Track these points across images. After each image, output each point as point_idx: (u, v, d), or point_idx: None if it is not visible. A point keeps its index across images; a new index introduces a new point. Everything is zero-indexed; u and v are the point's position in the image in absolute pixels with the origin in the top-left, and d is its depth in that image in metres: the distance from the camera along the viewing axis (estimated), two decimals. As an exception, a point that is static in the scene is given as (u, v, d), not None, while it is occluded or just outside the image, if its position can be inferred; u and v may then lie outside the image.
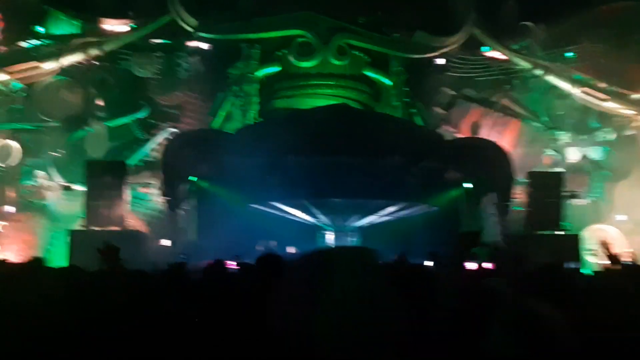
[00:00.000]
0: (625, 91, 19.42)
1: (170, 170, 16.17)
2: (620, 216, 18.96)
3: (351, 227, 17.19)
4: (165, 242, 16.24)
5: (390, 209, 16.53)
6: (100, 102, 18.42)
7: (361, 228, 17.23)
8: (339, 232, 17.11)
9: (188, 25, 18.77)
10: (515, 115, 19.83)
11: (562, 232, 16.80)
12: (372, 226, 16.95)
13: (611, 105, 19.45)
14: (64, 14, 19.02)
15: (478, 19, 19.60)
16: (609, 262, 7.22)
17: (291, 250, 13.09)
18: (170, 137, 18.24)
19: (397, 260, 7.61)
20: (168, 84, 19.03)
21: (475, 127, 19.65)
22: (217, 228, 15.29)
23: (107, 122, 18.65)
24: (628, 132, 19.93)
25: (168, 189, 16.22)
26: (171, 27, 19.08)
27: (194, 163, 16.06)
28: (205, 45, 19.09)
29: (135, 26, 18.97)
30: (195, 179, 16.42)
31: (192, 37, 18.96)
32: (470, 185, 17.17)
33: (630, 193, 18.72)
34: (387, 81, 19.98)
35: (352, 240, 17.09)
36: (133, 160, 18.45)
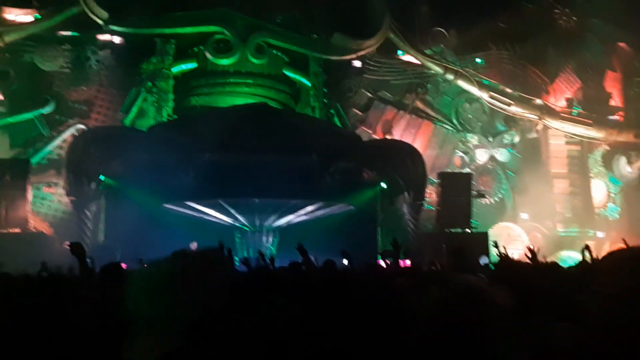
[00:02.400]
0: (529, 96, 20.66)
1: (77, 169, 15.34)
2: (524, 214, 20.17)
3: (269, 227, 17.08)
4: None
5: (309, 208, 16.57)
6: (0, 96, 17.16)
7: (279, 228, 17.17)
8: (256, 232, 16.96)
9: (98, 17, 17.91)
10: (427, 117, 20.57)
11: (471, 230, 17.54)
12: (291, 226, 16.92)
13: (516, 110, 20.62)
14: (-41, 1, 17.63)
15: (393, 23, 20.14)
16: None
17: (193, 246, 12.74)
18: (78, 134, 17.32)
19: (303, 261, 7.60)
20: (76, 78, 18.05)
21: (390, 129, 20.15)
22: (126, 229, 14.64)
23: (8, 118, 17.42)
24: (531, 135, 21.22)
25: (74, 189, 15.37)
26: (80, 19, 18.13)
27: (103, 161, 15.34)
28: (117, 39, 18.28)
29: (40, 17, 17.85)
30: (103, 177, 15.67)
31: (102, 30, 18.09)
32: (385, 185, 17.61)
33: (531, 192, 20.00)
34: (306, 81, 20.05)
35: (269, 240, 16.99)
36: (37, 158, 17.35)
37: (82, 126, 17.87)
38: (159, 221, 15.09)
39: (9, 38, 17.32)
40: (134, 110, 18.15)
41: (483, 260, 14.27)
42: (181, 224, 15.41)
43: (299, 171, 15.65)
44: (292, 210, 16.48)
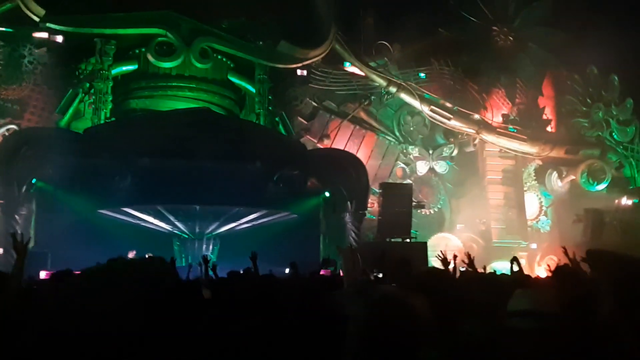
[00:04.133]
0: (467, 111, 21.35)
1: (7, 171, 14.56)
2: (460, 225, 20.77)
3: (210, 234, 16.79)
4: (-1, 251, 14.53)
5: (251, 216, 16.42)
6: None
7: (220, 236, 16.90)
8: (196, 240, 16.63)
9: (34, 14, 17.16)
10: (371, 128, 20.87)
11: (411, 240, 17.86)
12: (232, 234, 16.69)
13: (455, 124, 21.26)
14: None
15: (339, 34, 20.38)
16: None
17: (131, 254, 12.34)
18: (9, 135, 16.46)
19: (246, 270, 7.52)
20: (9, 76, 17.15)
21: (334, 138, 20.32)
22: (58, 235, 13.98)
23: None
24: (469, 149, 21.93)
25: (3, 192, 14.57)
26: (15, 14, 17.30)
27: (35, 164, 14.62)
28: (54, 37, 17.54)
29: (-31, 10, 16.92)
30: (35, 181, 14.93)
31: (39, 27, 17.33)
32: (328, 194, 17.70)
33: (468, 204, 20.68)
34: (251, 88, 19.93)
35: (210, 249, 16.70)
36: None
37: (13, 126, 16.99)
38: (94, 228, 14.50)
39: None
40: (71, 111, 17.45)
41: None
42: (118, 231, 14.90)
43: (241, 178, 15.48)
44: (234, 218, 16.29)
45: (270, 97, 19.72)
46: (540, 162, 22.43)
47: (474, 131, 21.45)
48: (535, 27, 22.28)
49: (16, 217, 14.65)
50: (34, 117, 17.48)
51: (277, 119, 19.65)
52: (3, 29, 17.34)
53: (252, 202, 15.88)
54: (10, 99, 17.29)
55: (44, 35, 17.39)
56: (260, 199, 15.93)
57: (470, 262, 7.36)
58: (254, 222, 16.58)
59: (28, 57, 17.41)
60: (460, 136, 21.71)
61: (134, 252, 12.76)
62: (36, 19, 17.19)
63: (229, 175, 15.24)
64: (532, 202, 22.46)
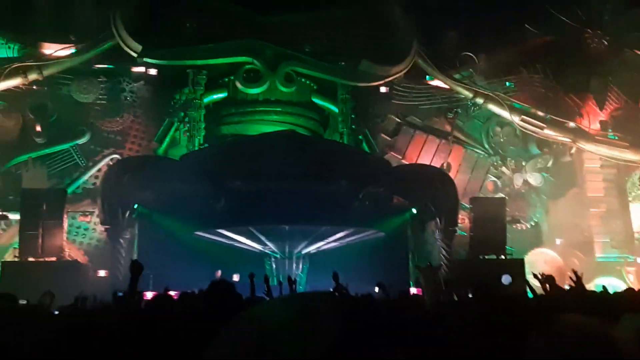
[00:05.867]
0: (562, 119, 20.31)
1: (111, 198, 15.62)
2: (559, 239, 19.64)
3: (299, 254, 17.04)
4: (104, 273, 15.59)
5: (338, 235, 16.50)
6: (39, 128, 17.72)
7: (309, 255, 17.10)
8: (286, 259, 16.93)
9: (132, 50, 18.44)
10: (458, 142, 20.36)
11: (506, 257, 17.13)
12: (320, 253, 16.85)
13: (549, 133, 20.27)
14: (1, 37, 18.36)
15: (421, 49, 20.18)
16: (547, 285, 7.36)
17: (235, 278, 12.78)
18: (112, 164, 17.70)
19: (336, 289, 7.53)
20: (111, 109, 18.53)
21: (419, 154, 20.04)
22: (159, 257, 14.77)
23: (46, 149, 17.94)
24: (565, 159, 20.79)
25: (109, 218, 15.62)
26: (114, 52, 18.70)
27: (136, 190, 15.59)
28: (150, 71, 18.76)
29: (76, 50, 18.48)
30: (137, 206, 15.92)
31: (136, 62, 18.61)
32: (416, 211, 17.41)
33: (567, 217, 19.50)
34: (334, 108, 20.17)
35: (300, 268, 16.93)
36: (73, 188, 17.78)
37: (116, 156, 18.28)
38: (191, 249, 15.26)
39: (47, 72, 17.93)
40: (167, 139, 18.51)
41: (506, 279, 13.92)
42: (213, 251, 15.56)
43: (328, 198, 15.63)
44: (321, 237, 16.45)
45: (353, 115, 19.84)
46: (646, 170, 20.82)
47: (569, 140, 20.33)
48: (633, 33, 20.82)
49: (121, 241, 15.64)
50: (134, 146, 18.73)
51: (360, 137, 19.70)
52: (105, 65, 18.77)
53: (338, 221, 15.97)
54: (113, 130, 18.63)
55: (141, 69, 18.64)
56: (346, 217, 15.98)
57: (578, 279, 6.91)
58: (341, 241, 16.64)
59: (128, 91, 18.71)
60: (555, 146, 20.66)
61: (220, 272, 13.21)
62: (134, 54, 18.45)
63: (316, 195, 15.46)
64: (639, 213, 20.84)
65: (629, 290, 6.79)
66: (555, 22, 20.84)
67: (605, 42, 21.07)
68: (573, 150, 20.63)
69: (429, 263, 15.13)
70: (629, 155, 20.36)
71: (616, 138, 20.38)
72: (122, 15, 18.31)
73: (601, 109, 20.88)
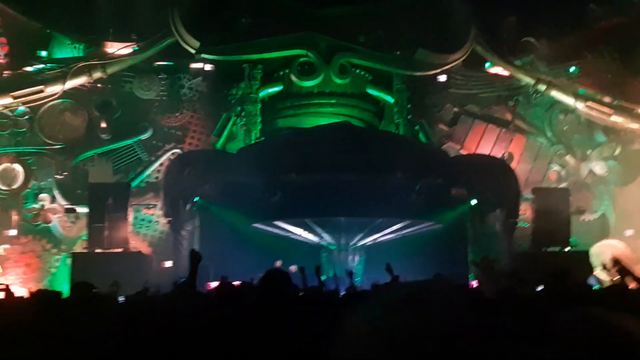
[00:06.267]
0: (630, 105, 19.29)
1: (173, 191, 16.11)
2: (629, 231, 18.70)
3: (354, 246, 17.01)
4: (169, 264, 16.11)
5: (395, 227, 16.35)
6: (104, 125, 18.46)
7: (366, 247, 17.04)
8: (343, 251, 16.94)
9: (190, 46, 18.88)
10: (519, 130, 19.70)
11: (571, 249, 16.50)
12: (377, 245, 16.76)
13: (616, 120, 19.31)
14: (68, 38, 19.21)
15: (480, 35, 19.62)
16: (620, 277, 7.02)
17: (293, 268, 12.90)
18: (174, 158, 18.23)
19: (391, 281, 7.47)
20: (171, 105, 19.07)
21: (478, 143, 19.52)
22: (220, 248, 15.16)
23: (111, 145, 18.69)
24: (634, 147, 19.75)
25: (171, 210, 16.12)
26: (174, 49, 19.20)
27: (196, 183, 15.99)
28: (207, 66, 19.17)
29: (138, 48, 19.09)
30: (198, 199, 16.35)
31: (194, 59, 19.05)
32: (475, 202, 17.00)
33: (637, 207, 18.50)
34: (389, 99, 19.96)
35: (356, 259, 16.89)
36: (136, 182, 18.43)
37: (177, 150, 18.81)
38: (249, 241, 15.56)
39: (110, 70, 18.63)
40: (225, 134, 18.87)
41: (592, 281, 13.31)
42: (271, 243, 15.78)
43: (384, 189, 15.51)
44: (377, 229, 16.34)
45: (409, 106, 19.57)
46: None
47: (639, 126, 19.28)
48: None
49: (183, 233, 16.12)
50: (194, 140, 19.20)
51: (417, 127, 19.41)
52: (165, 63, 19.31)
53: (395, 213, 15.82)
54: (174, 125, 19.16)
55: (199, 65, 19.07)
56: (403, 209, 15.80)
57: (627, 272, 6.57)
58: (398, 233, 16.47)
59: (187, 87, 19.19)
60: (622, 133, 19.65)
61: (280, 262, 13.36)
62: (192, 51, 18.88)
63: (372, 186, 15.36)
64: None
65: None
66: (622, 2, 19.77)
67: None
68: (642, 138, 19.55)
69: (486, 256, 14.79)
70: None
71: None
72: (180, 13, 18.76)
73: None
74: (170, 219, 16.26)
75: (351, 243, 16.78)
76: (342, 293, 7.51)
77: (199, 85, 19.22)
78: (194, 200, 16.32)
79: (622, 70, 19.81)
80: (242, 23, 19.01)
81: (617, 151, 19.66)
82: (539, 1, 19.21)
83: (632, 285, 6.55)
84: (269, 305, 3.65)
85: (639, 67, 19.60)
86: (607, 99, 19.32)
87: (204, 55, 18.90)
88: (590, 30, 19.97)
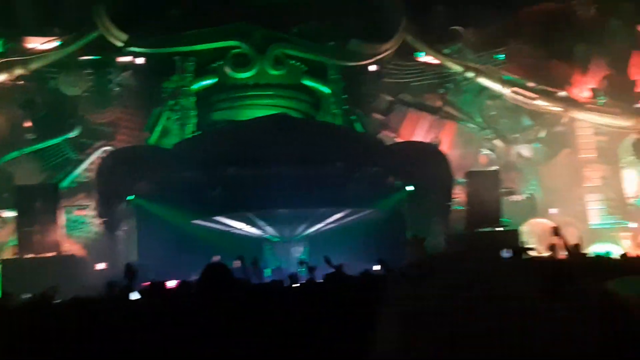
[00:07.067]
0: (552, 89, 20.31)
1: (106, 190, 15.58)
2: (553, 209, 19.78)
3: (298, 236, 17.07)
4: (104, 265, 15.59)
5: (336, 216, 16.52)
6: (28, 123, 17.55)
7: (308, 237, 17.14)
8: (286, 243, 16.97)
9: (118, 40, 18.24)
10: (450, 117, 20.36)
11: (502, 228, 17.26)
12: (320, 234, 16.88)
13: (540, 103, 20.29)
14: (-17, 33, 18.11)
15: (409, 25, 20.06)
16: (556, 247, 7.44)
17: (237, 264, 12.79)
18: (105, 156, 17.59)
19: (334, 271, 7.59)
20: (100, 101, 18.38)
21: (413, 131, 20.04)
22: (158, 247, 14.79)
23: (37, 145, 17.81)
24: (558, 129, 20.85)
25: (104, 210, 15.60)
26: (100, 43, 18.48)
27: (130, 181, 15.51)
28: (137, 60, 18.57)
29: (62, 43, 18.23)
30: (132, 197, 15.86)
31: (122, 52, 18.40)
32: (412, 188, 17.45)
33: (561, 187, 19.61)
34: (325, 89, 20.07)
35: (300, 250, 16.96)
36: (66, 182, 17.68)
37: (108, 148, 18.16)
38: (190, 237, 15.27)
39: (33, 66, 17.73)
40: (158, 129, 18.39)
41: (504, 254, 14.00)
42: (212, 239, 15.55)
43: (324, 179, 15.65)
44: (320, 219, 16.46)
45: (344, 96, 19.77)
46: (636, 136, 20.88)
47: (561, 109, 20.37)
48: (620, 3, 20.70)
49: (118, 233, 15.63)
50: (125, 137, 18.60)
51: (353, 117, 19.65)
52: (91, 57, 18.55)
53: (335, 202, 16.00)
54: (103, 122, 18.49)
55: (128, 59, 18.45)
56: (343, 198, 16.01)
57: (576, 246, 7.04)
58: (340, 222, 16.67)
59: (115, 81, 18.53)
60: (547, 116, 20.69)
61: (219, 257, 13.19)
62: (119, 44, 18.23)
63: (312, 177, 15.46)
64: (632, 178, 20.97)
65: (625, 255, 6.90)
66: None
67: (593, 11, 21.00)
68: (565, 120, 20.67)
69: (415, 235, 15.31)
70: (620, 121, 20.41)
71: (605, 101, 20.36)
72: (106, 5, 18.05)
73: (589, 75, 20.84)
74: (104, 219, 15.72)
75: (294, 234, 16.83)
76: (289, 284, 7.55)
77: (129, 79, 18.63)
78: (129, 198, 15.83)
79: (544, 56, 20.82)
80: (172, 14, 18.53)
81: (542, 134, 20.70)
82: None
83: (562, 255, 6.98)
84: (209, 300, 3.60)
85: (560, 52, 20.69)
86: (531, 84, 20.25)
87: (132, 49, 18.30)
88: (514, 17, 20.83)
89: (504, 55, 20.84)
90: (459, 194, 18.08)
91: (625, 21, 20.86)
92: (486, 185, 17.64)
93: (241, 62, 19.07)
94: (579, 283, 1.91)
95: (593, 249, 16.73)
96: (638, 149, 20.92)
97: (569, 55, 20.90)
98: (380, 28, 19.77)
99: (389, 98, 20.23)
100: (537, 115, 20.69)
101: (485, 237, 16.43)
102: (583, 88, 20.98)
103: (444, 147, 19.29)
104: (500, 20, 20.65)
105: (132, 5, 18.33)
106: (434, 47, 20.29)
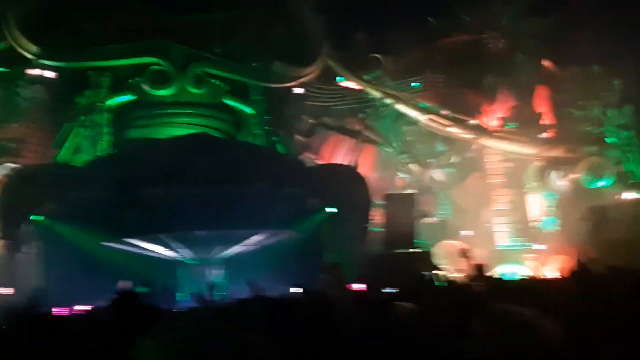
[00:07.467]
0: (464, 117, 21.37)
1: (10, 210, 14.59)
2: (465, 231, 20.67)
3: (216, 259, 16.69)
4: (6, 290, 14.48)
5: (256, 237, 16.33)
6: None
7: (228, 260, 16.80)
8: (203, 266, 16.53)
9: (28, 52, 17.30)
10: (369, 141, 20.91)
11: (417, 250, 17.78)
12: (240, 256, 16.59)
13: (453, 131, 21.28)
14: None
15: (331, 50, 20.51)
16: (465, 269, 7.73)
17: (122, 285, 12.24)
18: (9, 174, 16.49)
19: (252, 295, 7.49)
20: (5, 116, 17.30)
21: (333, 153, 20.37)
22: (65, 271, 13.95)
23: None
24: (469, 155, 21.92)
25: (8, 231, 14.59)
26: (8, 54, 17.45)
27: (37, 201, 14.62)
28: (48, 73, 17.68)
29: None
30: (40, 218, 14.93)
31: (32, 65, 17.47)
32: (331, 210, 17.63)
33: (470, 210, 20.59)
34: (248, 109, 20.00)
35: (216, 273, 16.58)
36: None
37: (13, 165, 17.04)
38: (99, 260, 14.52)
39: None
40: (68, 145, 17.52)
41: (427, 277, 14.46)
42: (124, 261, 14.87)
43: (243, 200, 15.44)
44: (238, 241, 16.21)
45: (267, 117, 19.78)
46: (540, 163, 22.32)
47: (472, 136, 21.46)
48: (527, 40, 22.18)
49: (23, 254, 14.64)
50: (31, 153, 17.56)
51: (275, 138, 19.69)
52: (-3, 68, 17.49)
53: (255, 224, 15.82)
54: (8, 137, 17.38)
55: (37, 72, 17.53)
56: (263, 220, 15.87)
57: (480, 268, 7.34)
58: (259, 244, 16.50)
59: (23, 95, 17.53)
60: (459, 143, 21.71)
61: (130, 283, 12.62)
62: (30, 56, 17.32)
63: (231, 198, 15.22)
64: (535, 203, 22.35)
65: (531, 277, 7.31)
66: (458, 21, 21.86)
67: (502, 45, 22.41)
68: (476, 146, 21.77)
69: (327, 263, 15.41)
70: (526, 149, 21.78)
71: (513, 128, 21.59)
72: (15, 15, 17.11)
73: (493, 104, 22.11)
74: (7, 240, 14.69)
75: (212, 257, 16.44)
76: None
77: (38, 93, 17.65)
78: (35, 219, 14.89)
79: (457, 85, 21.93)
80: (88, 28, 17.85)
81: (454, 159, 21.68)
82: (386, 19, 20.60)
83: (470, 273, 7.29)
84: (120, 329, 3.48)
85: (472, 82, 21.86)
86: (445, 112, 21.22)
87: (42, 61, 17.41)
88: (431, 47, 21.84)
89: (420, 84, 21.74)
90: (377, 216, 18.50)
91: (530, 57, 22.44)
92: (403, 207, 18.19)
93: (160, 79, 18.63)
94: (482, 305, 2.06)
95: (499, 270, 17.61)
96: (541, 175, 22.38)
97: (480, 85, 22.16)
98: (304, 51, 20.06)
99: (312, 120, 20.50)
100: (450, 141, 21.68)
101: (400, 259, 16.85)
102: (492, 117, 22.26)
103: (364, 170, 19.71)
104: (418, 49, 21.58)
105: (44, 17, 17.49)
106: (355, 73, 20.84)
